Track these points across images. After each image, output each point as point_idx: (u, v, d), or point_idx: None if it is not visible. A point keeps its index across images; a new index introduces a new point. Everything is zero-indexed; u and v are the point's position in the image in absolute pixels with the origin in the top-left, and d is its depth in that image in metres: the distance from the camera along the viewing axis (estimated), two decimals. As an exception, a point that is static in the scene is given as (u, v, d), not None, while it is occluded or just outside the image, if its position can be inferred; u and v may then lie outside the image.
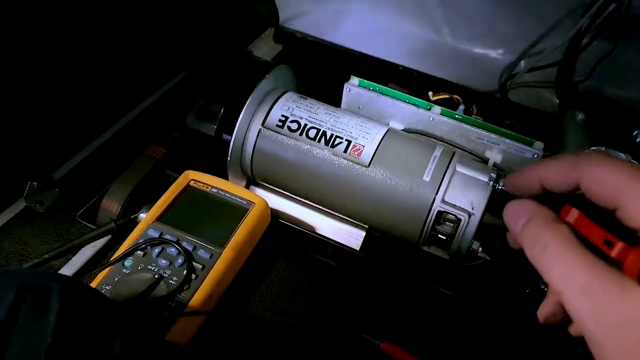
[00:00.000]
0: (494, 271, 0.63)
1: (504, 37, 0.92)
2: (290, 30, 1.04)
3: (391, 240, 0.66)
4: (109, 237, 0.65)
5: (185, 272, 0.55)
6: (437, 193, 0.59)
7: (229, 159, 0.66)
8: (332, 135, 0.64)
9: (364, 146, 0.63)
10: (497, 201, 0.59)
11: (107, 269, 0.56)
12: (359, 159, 0.62)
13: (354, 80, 0.73)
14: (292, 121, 0.65)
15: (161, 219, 0.61)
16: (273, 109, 0.67)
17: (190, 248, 0.58)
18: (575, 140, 0.75)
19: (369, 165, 0.62)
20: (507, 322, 0.60)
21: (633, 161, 0.64)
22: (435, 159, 0.62)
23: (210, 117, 0.71)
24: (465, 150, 0.68)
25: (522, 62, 0.91)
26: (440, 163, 0.61)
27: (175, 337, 0.51)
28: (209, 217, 0.62)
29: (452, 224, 0.60)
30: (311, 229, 0.70)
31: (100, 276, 0.56)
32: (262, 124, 0.66)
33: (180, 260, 0.56)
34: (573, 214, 0.31)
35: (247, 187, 0.73)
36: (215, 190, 0.64)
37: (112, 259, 0.57)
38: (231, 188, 0.64)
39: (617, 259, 0.27)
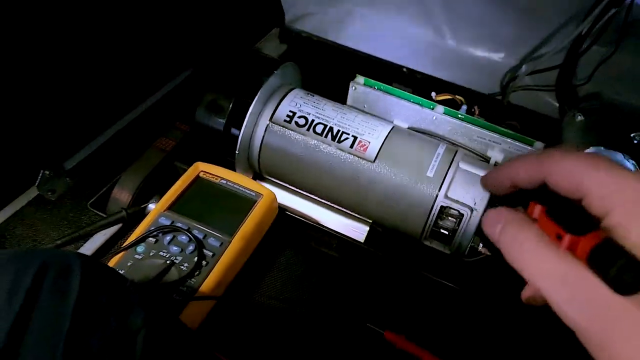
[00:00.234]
0: (494, 266, 0.65)
1: (506, 41, 0.93)
2: (296, 30, 1.06)
3: (394, 235, 0.68)
4: (119, 225, 0.66)
5: (196, 258, 0.57)
6: (440, 189, 0.61)
7: (237, 152, 0.68)
8: (338, 131, 0.65)
9: (369, 142, 0.64)
10: (497, 198, 0.61)
11: (120, 254, 0.58)
12: (365, 154, 0.64)
13: (360, 79, 0.75)
14: (299, 117, 0.67)
15: (172, 207, 0.63)
16: (281, 104, 0.68)
17: (200, 236, 0.59)
18: (574, 141, 0.77)
19: (375, 160, 0.63)
20: (505, 313, 0.61)
21: (631, 161, 0.65)
22: (439, 156, 0.63)
23: (219, 111, 0.72)
24: (468, 149, 0.70)
25: (524, 65, 0.92)
26: (443, 160, 0.63)
27: (186, 321, 0.53)
28: (218, 207, 0.64)
29: (454, 219, 0.62)
30: (316, 222, 0.71)
31: (114, 261, 0.57)
32: (270, 119, 0.68)
33: (191, 248, 0.58)
34: (537, 210, 0.32)
35: (254, 180, 0.74)
36: (224, 181, 0.66)
37: (125, 244, 0.59)
38: (240, 180, 0.66)
39: (568, 251, 0.28)
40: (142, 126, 0.83)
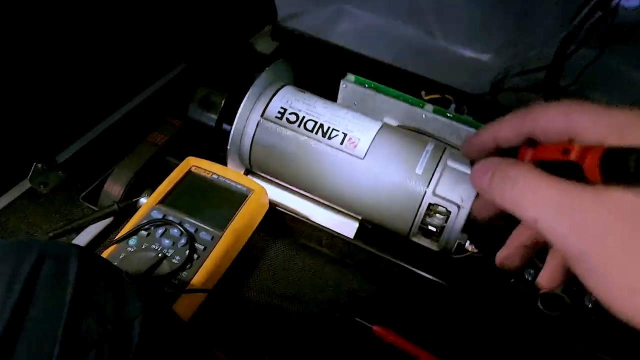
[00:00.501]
0: (481, 262, 0.66)
1: (495, 41, 0.94)
2: (288, 28, 1.06)
3: (383, 231, 0.69)
4: (111, 219, 0.67)
5: (187, 252, 0.57)
6: (428, 186, 0.62)
7: (228, 148, 0.69)
8: (329, 127, 0.66)
9: (359, 139, 0.65)
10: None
11: (113, 247, 0.58)
12: (355, 151, 0.65)
13: (351, 76, 0.76)
14: (290, 113, 0.68)
15: (164, 201, 0.63)
16: (272, 101, 0.69)
17: (192, 230, 0.60)
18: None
19: (364, 157, 0.64)
20: (492, 309, 0.62)
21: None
22: (427, 154, 0.64)
23: (211, 107, 0.73)
24: (456, 147, 0.71)
25: (512, 66, 0.93)
26: (432, 157, 0.64)
27: (177, 313, 0.54)
28: (210, 201, 0.64)
29: (442, 216, 0.63)
30: (306, 218, 0.72)
31: (106, 254, 0.58)
32: (262, 115, 0.68)
33: (183, 241, 0.59)
34: (530, 151, 0.33)
35: (244, 176, 0.75)
36: (215, 176, 0.66)
37: (117, 237, 0.59)
38: (231, 175, 0.67)
39: (576, 162, 0.28)
40: (135, 120, 0.83)
